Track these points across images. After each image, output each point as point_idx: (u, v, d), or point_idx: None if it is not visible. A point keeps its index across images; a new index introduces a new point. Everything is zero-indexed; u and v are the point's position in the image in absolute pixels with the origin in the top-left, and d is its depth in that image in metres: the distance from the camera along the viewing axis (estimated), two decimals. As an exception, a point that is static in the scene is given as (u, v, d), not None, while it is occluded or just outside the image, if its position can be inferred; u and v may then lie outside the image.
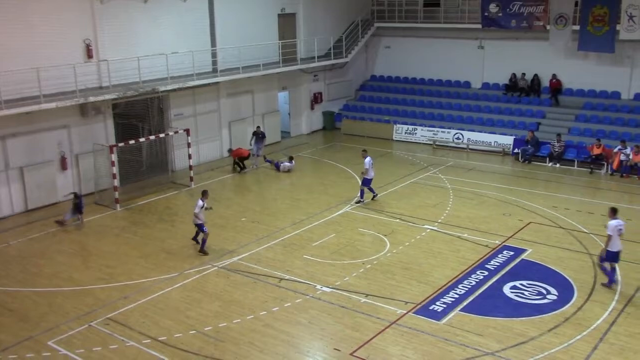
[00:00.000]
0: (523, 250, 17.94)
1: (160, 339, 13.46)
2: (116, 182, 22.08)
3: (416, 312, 14.51)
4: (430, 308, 14.73)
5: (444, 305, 14.84)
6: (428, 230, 19.59)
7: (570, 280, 16.08)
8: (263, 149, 27.64)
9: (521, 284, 15.91)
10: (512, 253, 17.80)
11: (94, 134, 23.52)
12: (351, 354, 12.83)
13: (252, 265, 16.95)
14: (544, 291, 15.53)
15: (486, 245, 18.27)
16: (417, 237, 19.04)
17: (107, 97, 22.87)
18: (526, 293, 15.46)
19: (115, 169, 21.99)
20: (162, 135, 24.74)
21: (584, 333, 13.59)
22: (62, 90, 21.81)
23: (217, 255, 17.81)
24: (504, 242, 18.57)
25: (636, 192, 23.53)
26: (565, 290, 15.54)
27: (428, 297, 15.21)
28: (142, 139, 23.63)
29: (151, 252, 18.24)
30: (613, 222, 15.50)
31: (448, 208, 21.59)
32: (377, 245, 18.48)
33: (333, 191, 23.59)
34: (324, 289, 15.71)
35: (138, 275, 16.67)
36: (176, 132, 24.76)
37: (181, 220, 20.85)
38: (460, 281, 16.09)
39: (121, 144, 22.61)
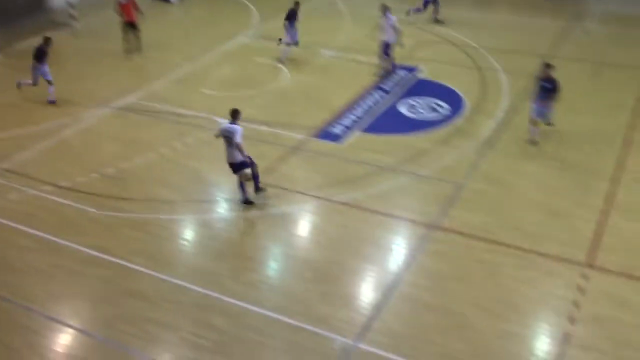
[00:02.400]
0: (417, 69, 18.41)
1: (62, 184, 13.25)
2: (-12, 26, 20.29)
3: (318, 136, 14.90)
4: (331, 131, 15.14)
5: (344, 127, 15.28)
6: (326, 56, 19.57)
7: (460, 94, 16.82)
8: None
9: (416, 102, 16.51)
10: (407, 72, 18.23)
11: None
12: (256, 181, 13.20)
13: (148, 103, 16.54)
14: (437, 106, 16.22)
15: (383, 67, 18.56)
16: (315, 63, 19.03)
17: None
18: (421, 110, 16.11)
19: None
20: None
21: (474, 142, 14.51)
22: None
23: (112, 95, 17.18)
24: (399, 62, 18.88)
25: (536, 4, 24.07)
26: (457, 104, 16.30)
27: (328, 121, 15.58)
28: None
29: (41, 99, 17.32)
30: (393, 17, 17.42)
31: (345, 32, 21.46)
32: (275, 73, 18.38)
33: (227, 23, 22.77)
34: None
35: (31, 123, 15.94)
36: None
37: (65, 61, 19.71)
38: (358, 103, 16.49)
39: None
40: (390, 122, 15.55)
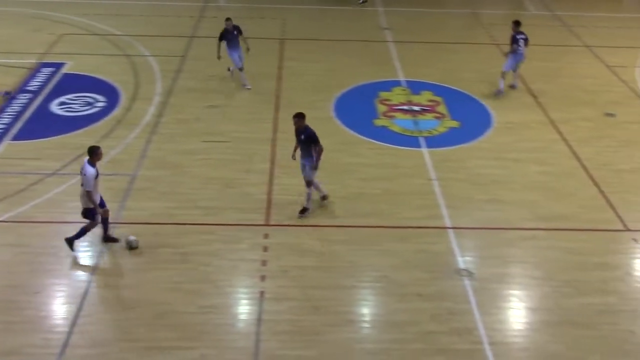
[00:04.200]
0: (63, 64, 17.42)
1: None
2: None
3: (-40, 154, 13.21)
4: (-24, 145, 13.57)
5: (-8, 139, 13.83)
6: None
7: (114, 84, 16.44)
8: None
9: (68, 99, 15.65)
10: (52, 69, 17.12)
11: None
12: None
13: None
14: (92, 100, 15.62)
15: (23, 67, 17.10)
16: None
17: None
18: (75, 106, 15.34)
19: None
20: None
21: (137, 131, 14.37)
22: None
23: None
24: (40, 60, 17.64)
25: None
26: (112, 95, 15.91)
27: (-30, 135, 13.90)
28: None
29: None
30: None
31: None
32: None
33: None
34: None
35: None
36: None
37: None
38: (3, 110, 15.00)
39: None
40: (44, 125, 14.48)
